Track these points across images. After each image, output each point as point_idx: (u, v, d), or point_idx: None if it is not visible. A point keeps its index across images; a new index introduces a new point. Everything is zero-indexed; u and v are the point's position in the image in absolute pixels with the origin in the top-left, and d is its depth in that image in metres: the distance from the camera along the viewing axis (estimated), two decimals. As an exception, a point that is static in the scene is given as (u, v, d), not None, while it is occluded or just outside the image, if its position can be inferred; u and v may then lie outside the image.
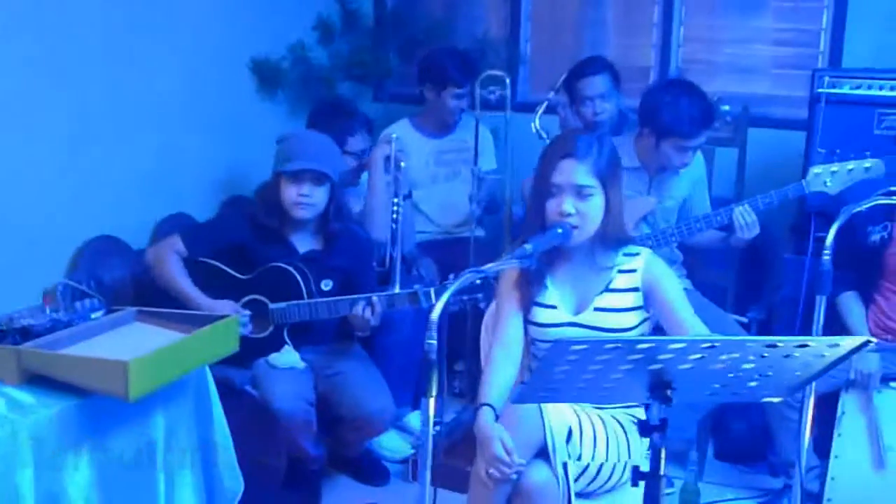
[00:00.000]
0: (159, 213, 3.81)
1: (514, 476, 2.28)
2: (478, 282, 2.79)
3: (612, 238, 2.47)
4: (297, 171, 3.14)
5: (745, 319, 3.67)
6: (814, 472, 3.25)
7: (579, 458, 2.38)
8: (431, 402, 1.96)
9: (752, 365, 1.85)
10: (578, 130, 3.32)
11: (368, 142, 3.77)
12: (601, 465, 2.42)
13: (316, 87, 4.42)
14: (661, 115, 3.34)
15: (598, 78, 3.77)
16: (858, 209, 2.74)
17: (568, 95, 3.83)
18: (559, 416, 2.36)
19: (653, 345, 1.75)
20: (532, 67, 4.79)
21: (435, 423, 3.68)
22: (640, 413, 2.53)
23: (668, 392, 1.89)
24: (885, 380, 3.20)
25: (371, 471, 3.54)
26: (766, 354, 1.80)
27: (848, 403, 3.22)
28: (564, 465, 2.32)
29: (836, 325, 3.26)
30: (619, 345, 1.74)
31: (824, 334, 3.07)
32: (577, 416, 2.41)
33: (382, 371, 3.35)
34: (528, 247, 2.24)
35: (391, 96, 4.79)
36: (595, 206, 2.41)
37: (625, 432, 2.47)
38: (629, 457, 2.45)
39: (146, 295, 3.16)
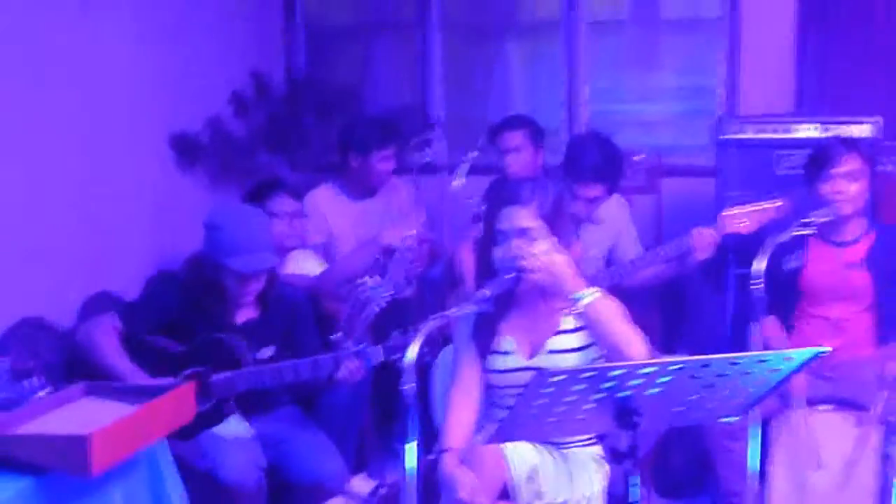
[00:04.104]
0: (82, 291, 3.74)
1: (480, 518, 2.31)
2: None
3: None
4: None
5: (672, 358, 3.79)
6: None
7: (543, 498, 2.42)
8: (412, 447, 1.98)
9: (713, 385, 1.94)
10: (516, 178, 3.44)
11: (295, 205, 3.81)
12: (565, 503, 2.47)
13: (234, 159, 4.45)
14: (565, 166, 3.51)
15: (514, 133, 3.92)
16: (781, 239, 2.92)
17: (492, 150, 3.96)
18: (521, 456, 2.41)
19: (625, 370, 1.83)
20: (447, 130, 4.92)
21: (379, 486, 3.68)
22: (598, 449, 2.60)
23: (635, 419, 1.97)
24: (812, 403, 3.35)
25: (320, 537, 3.49)
26: (728, 372, 1.90)
27: (778, 428, 3.36)
28: (528, 505, 2.37)
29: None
30: (595, 373, 1.81)
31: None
32: (540, 455, 2.46)
33: (326, 428, 3.34)
34: (485, 291, 2.31)
35: (309, 165, 4.84)
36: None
37: (586, 469, 2.53)
38: (592, 493, 2.50)
39: (79, 376, 3.08)
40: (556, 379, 1.78)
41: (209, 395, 3.16)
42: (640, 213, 4.03)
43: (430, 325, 2.07)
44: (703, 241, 3.40)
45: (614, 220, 3.70)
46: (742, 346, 3.30)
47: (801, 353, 1.90)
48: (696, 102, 4.65)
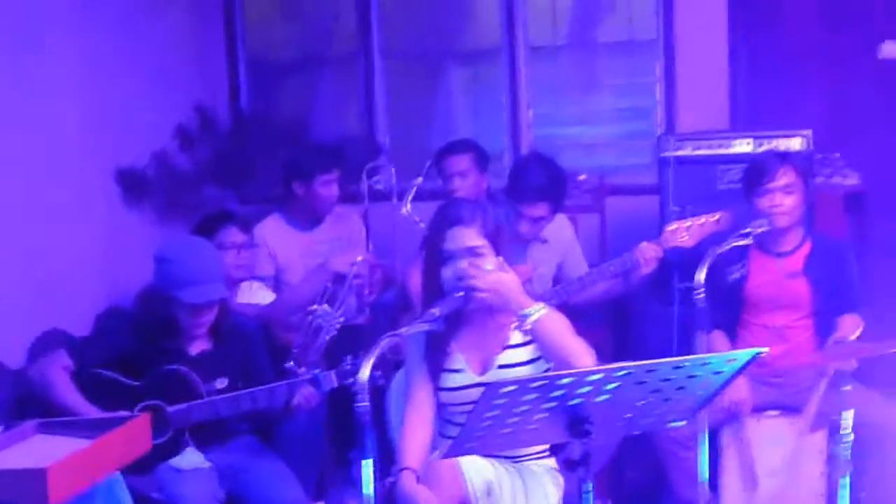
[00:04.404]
0: (31, 329, 3.71)
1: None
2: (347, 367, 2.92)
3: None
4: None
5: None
6: (708, 506, 3.43)
7: (500, 510, 2.46)
8: (368, 464, 2.01)
9: (660, 390, 2.00)
10: (458, 199, 3.49)
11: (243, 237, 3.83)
12: (523, 516, 2.51)
13: (181, 193, 4.46)
14: (510, 187, 3.59)
15: (459, 157, 4.00)
16: (721, 250, 3.02)
17: (438, 176, 4.02)
18: (478, 471, 2.45)
19: (574, 378, 1.88)
20: (393, 158, 4.97)
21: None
22: (552, 462, 2.65)
23: (586, 427, 2.02)
24: (758, 410, 3.44)
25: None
26: (673, 376, 1.96)
27: (727, 436, 3.44)
28: (488, 520, 2.40)
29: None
30: (545, 381, 1.86)
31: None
32: (496, 469, 2.51)
33: (284, 457, 3.34)
34: (434, 311, 2.36)
35: (256, 197, 4.85)
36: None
37: (541, 482, 2.58)
38: (547, 505, 2.55)
39: (32, 414, 3.06)
40: (506, 390, 1.83)
41: (165, 428, 3.16)
42: (585, 231, 4.12)
43: (381, 344, 2.10)
44: (648, 255, 3.48)
45: (560, 239, 3.77)
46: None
47: (742, 354, 1.97)
48: (635, 123, 4.77)
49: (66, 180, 3.98)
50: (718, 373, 2.01)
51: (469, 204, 2.61)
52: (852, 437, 2.75)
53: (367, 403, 2.01)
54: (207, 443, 3.22)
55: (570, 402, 1.95)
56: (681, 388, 2.02)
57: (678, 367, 1.95)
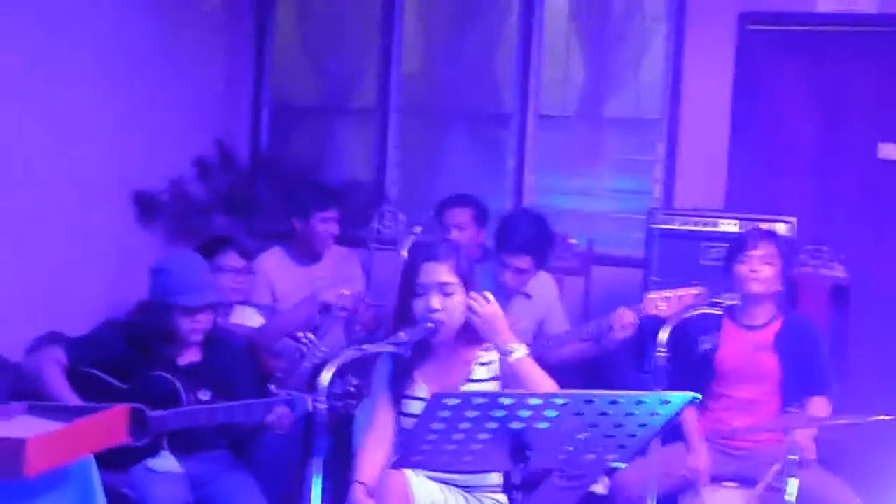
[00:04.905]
0: (35, 332, 3.88)
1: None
2: (351, 388, 3.04)
3: (474, 333, 2.76)
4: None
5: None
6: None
7: (444, 532, 2.58)
8: (318, 462, 2.15)
9: (598, 425, 2.14)
10: (436, 239, 3.67)
11: (242, 262, 4.02)
12: (465, 544, 2.63)
13: (193, 220, 4.67)
14: (497, 237, 3.74)
15: (460, 210, 4.16)
16: (688, 315, 3.17)
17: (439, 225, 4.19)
18: (427, 493, 2.58)
19: (514, 400, 2.03)
20: (398, 208, 5.16)
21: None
22: (503, 498, 2.77)
23: (527, 453, 2.16)
24: (717, 480, 3.55)
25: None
26: (610, 412, 2.10)
27: (684, 503, 3.54)
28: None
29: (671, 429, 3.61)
30: (486, 399, 2.01)
31: (662, 437, 3.46)
32: (444, 493, 2.64)
33: (256, 478, 3.47)
34: (402, 335, 2.53)
35: (264, 233, 5.05)
36: (458, 303, 2.71)
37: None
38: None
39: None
40: (450, 402, 1.98)
41: (144, 431, 3.30)
42: (570, 294, 4.26)
43: (345, 355, 2.26)
44: (624, 321, 3.58)
45: (544, 297, 3.91)
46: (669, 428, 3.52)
47: (677, 398, 2.11)
48: (633, 198, 4.93)
49: (87, 195, 4.21)
50: (655, 414, 2.14)
51: (445, 243, 2.79)
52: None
53: (325, 406, 2.15)
54: (183, 450, 3.35)
55: (512, 426, 2.09)
56: (619, 425, 2.15)
57: (614, 402, 2.08)
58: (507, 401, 2.02)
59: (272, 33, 5.38)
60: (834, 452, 3.74)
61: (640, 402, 2.10)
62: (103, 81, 4.33)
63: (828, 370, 3.64)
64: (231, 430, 3.44)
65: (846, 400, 3.70)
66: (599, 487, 3.82)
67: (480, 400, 2.01)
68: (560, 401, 2.04)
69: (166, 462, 3.29)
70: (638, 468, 3.10)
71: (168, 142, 4.71)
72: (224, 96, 5.17)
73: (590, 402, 2.08)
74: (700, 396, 2.19)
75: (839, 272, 4.56)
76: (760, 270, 3.51)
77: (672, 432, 3.59)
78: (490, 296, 2.72)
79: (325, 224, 4.24)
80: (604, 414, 2.11)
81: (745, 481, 3.52)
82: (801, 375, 3.58)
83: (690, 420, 3.63)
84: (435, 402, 1.99)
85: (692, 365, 3.66)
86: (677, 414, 2.16)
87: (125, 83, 4.47)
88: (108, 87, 4.36)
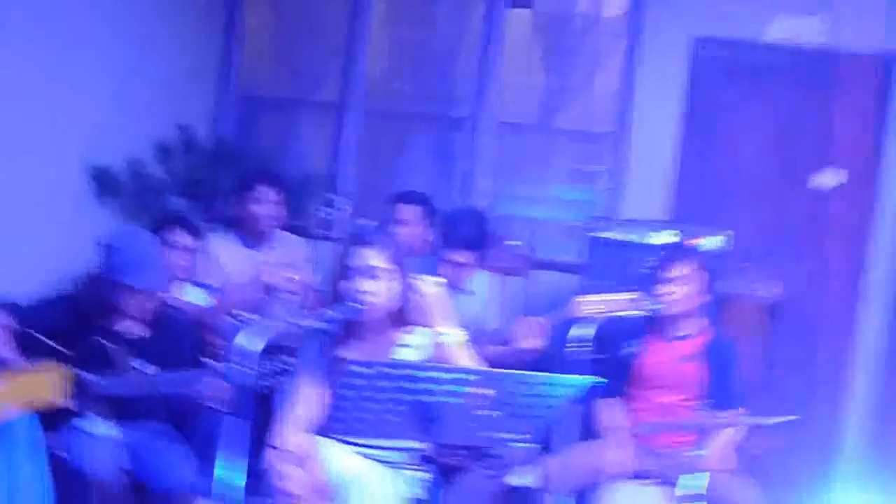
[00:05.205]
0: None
1: (299, 510, 2.60)
2: (284, 367, 3.17)
3: (401, 317, 2.89)
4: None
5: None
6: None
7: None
8: (246, 424, 2.27)
9: (507, 404, 2.28)
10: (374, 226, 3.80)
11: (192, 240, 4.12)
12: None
13: (150, 200, 4.76)
14: (440, 232, 3.90)
15: (410, 206, 4.29)
16: (610, 315, 3.32)
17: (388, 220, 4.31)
18: (344, 460, 2.71)
19: (427, 373, 2.17)
20: (353, 203, 5.30)
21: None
22: (422, 475, 2.89)
23: (440, 427, 2.29)
24: (637, 477, 3.69)
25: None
26: (517, 391, 2.24)
27: (605, 498, 3.68)
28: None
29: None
30: (400, 370, 2.14)
31: (588, 433, 3.62)
32: (362, 467, 2.75)
33: (194, 451, 3.56)
34: (329, 312, 2.66)
35: (221, 218, 5.14)
36: (386, 287, 2.84)
37: (406, 488, 2.82)
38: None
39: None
40: (362, 370, 2.11)
41: (84, 395, 3.40)
42: (509, 295, 4.40)
43: (273, 325, 2.39)
44: (527, 329, 3.70)
45: (482, 294, 4.05)
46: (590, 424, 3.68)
47: (578, 380, 2.25)
48: (580, 210, 5.09)
49: (44, 168, 4.28)
50: (560, 397, 2.29)
51: (381, 231, 2.92)
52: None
53: (253, 371, 2.27)
54: (122, 418, 3.45)
55: (426, 399, 2.22)
56: (527, 406, 2.29)
57: (522, 383, 2.23)
58: (420, 373, 2.15)
59: (242, 23, 5.49)
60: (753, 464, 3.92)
61: (547, 384, 2.24)
62: (67, 55, 4.39)
63: (741, 383, 3.80)
64: (169, 402, 3.54)
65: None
66: (528, 479, 3.95)
67: (394, 371, 2.14)
68: (471, 377, 2.18)
69: (104, 428, 3.38)
70: (563, 461, 3.24)
71: (130, 122, 4.79)
72: (190, 81, 5.26)
73: (499, 380, 2.22)
74: (610, 385, 2.31)
75: (773, 291, 4.75)
76: (674, 292, 3.66)
77: (598, 429, 3.75)
78: (440, 280, 2.85)
79: (260, 205, 4.32)
80: (513, 393, 2.24)
81: (665, 480, 3.67)
82: (719, 388, 3.73)
83: (616, 417, 3.79)
84: (350, 371, 2.12)
85: (616, 367, 3.82)
86: (581, 399, 2.29)
87: (90, 60, 4.54)
88: (71, 62, 4.43)
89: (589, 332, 3.90)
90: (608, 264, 4.26)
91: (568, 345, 3.09)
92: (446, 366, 2.33)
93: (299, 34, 5.51)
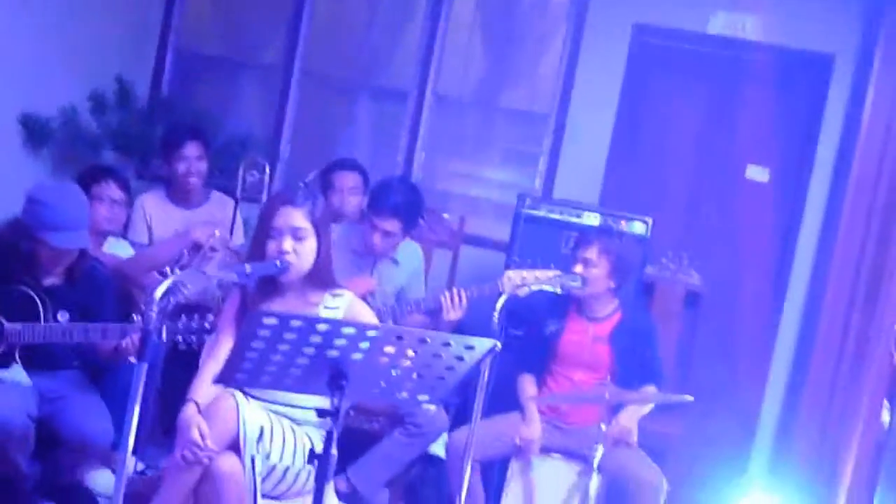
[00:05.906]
0: None
1: (206, 460, 2.62)
2: (206, 325, 3.17)
3: (321, 278, 2.92)
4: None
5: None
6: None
7: (268, 457, 2.74)
8: (142, 366, 2.28)
9: (409, 363, 2.31)
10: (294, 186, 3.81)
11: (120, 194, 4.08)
12: (287, 469, 2.79)
13: (81, 151, 4.72)
14: (369, 200, 3.91)
15: (351, 174, 4.30)
16: (528, 290, 3.39)
17: (321, 186, 4.31)
18: (254, 415, 2.74)
19: (329, 327, 2.19)
20: (289, 166, 5.31)
21: (147, 469, 3.88)
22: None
23: (343, 383, 2.32)
24: (546, 450, 3.78)
25: (80, 502, 3.68)
26: (419, 350, 2.27)
27: (514, 469, 3.77)
28: (252, 459, 2.68)
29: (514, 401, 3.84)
30: (302, 323, 2.16)
31: (500, 405, 3.68)
32: (271, 420, 2.79)
33: (109, 407, 3.56)
34: (247, 267, 2.67)
35: (153, 176, 5.12)
36: (309, 248, 2.86)
37: (312, 444, 2.86)
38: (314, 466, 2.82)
39: None
40: (268, 321, 2.13)
41: (0, 341, 3.38)
42: (437, 267, 4.45)
43: (185, 275, 2.40)
44: (450, 301, 3.72)
45: (409, 263, 4.08)
46: (511, 398, 3.75)
47: (481, 343, 2.28)
48: (514, 189, 5.12)
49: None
50: (460, 358, 2.32)
51: (302, 192, 2.94)
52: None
53: (154, 313, 2.28)
54: (36, 366, 3.44)
55: (329, 353, 2.24)
56: (427, 365, 2.32)
57: (422, 342, 2.26)
58: (322, 327, 2.18)
59: (186, -20, 5.46)
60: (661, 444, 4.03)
61: (446, 345, 2.27)
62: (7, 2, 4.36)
63: (659, 362, 3.89)
64: (85, 352, 3.54)
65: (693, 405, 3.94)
66: (439, 448, 4.01)
67: (297, 323, 2.16)
68: (372, 333, 2.21)
69: (16, 374, 3.37)
70: (472, 432, 3.28)
71: (65, 71, 4.75)
72: (130, 35, 5.21)
73: (400, 338, 2.25)
74: (530, 361, 2.33)
75: (695, 279, 4.85)
76: (583, 272, 3.72)
77: (510, 401, 3.82)
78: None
79: (181, 162, 4.30)
80: (413, 352, 2.27)
81: (572, 455, 3.76)
82: (634, 366, 3.82)
83: (528, 391, 3.86)
84: (254, 321, 2.14)
85: (536, 343, 3.90)
86: (479, 361, 2.33)
87: (32, 7, 4.49)
88: (10, 7, 4.38)
89: (510, 306, 4.01)
90: (535, 243, 4.32)
91: (492, 319, 3.12)
92: (351, 321, 2.36)
93: (244, -5, 5.49)
